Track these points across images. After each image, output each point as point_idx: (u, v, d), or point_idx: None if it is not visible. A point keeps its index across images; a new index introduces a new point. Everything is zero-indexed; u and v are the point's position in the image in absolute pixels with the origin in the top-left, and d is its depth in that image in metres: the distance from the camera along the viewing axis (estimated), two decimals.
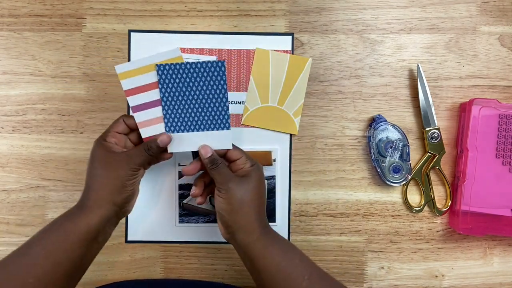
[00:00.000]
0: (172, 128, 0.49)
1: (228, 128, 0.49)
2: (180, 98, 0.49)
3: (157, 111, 0.49)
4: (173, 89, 0.49)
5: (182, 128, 0.49)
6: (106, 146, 0.47)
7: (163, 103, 0.49)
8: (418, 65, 0.57)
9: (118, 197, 0.46)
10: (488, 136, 0.56)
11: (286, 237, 0.58)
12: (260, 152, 0.58)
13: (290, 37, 0.57)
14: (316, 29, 0.58)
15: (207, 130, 0.50)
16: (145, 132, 0.49)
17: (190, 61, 0.49)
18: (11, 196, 0.57)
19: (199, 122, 0.49)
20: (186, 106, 0.49)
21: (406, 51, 0.58)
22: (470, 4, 0.58)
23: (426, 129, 0.57)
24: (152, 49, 0.57)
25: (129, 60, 0.57)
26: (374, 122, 0.57)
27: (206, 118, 0.49)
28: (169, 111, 0.49)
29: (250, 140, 0.58)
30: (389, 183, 0.56)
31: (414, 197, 0.59)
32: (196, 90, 0.49)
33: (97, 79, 0.57)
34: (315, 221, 0.58)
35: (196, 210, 0.58)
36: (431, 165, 0.57)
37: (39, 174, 0.57)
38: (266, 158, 0.58)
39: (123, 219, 0.57)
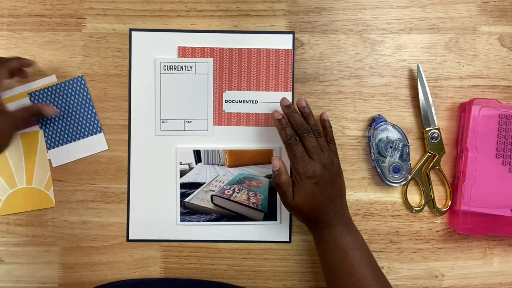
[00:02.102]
0: (53, 144, 0.56)
1: (100, 132, 0.56)
2: (54, 116, 0.56)
3: (35, 129, 0.57)
4: None
5: (61, 142, 0.56)
6: None
7: (39, 124, 0.56)
8: (418, 65, 0.57)
9: None
10: (488, 136, 0.56)
11: (288, 237, 0.58)
12: (261, 151, 0.58)
13: (291, 35, 0.57)
14: (316, 29, 0.58)
15: (83, 138, 0.56)
16: None
17: (184, 65, 0.56)
18: None
19: (74, 133, 0.56)
20: (61, 122, 0.56)
21: (406, 51, 0.58)
22: (470, 4, 0.58)
23: (426, 129, 0.57)
24: (153, 48, 0.57)
25: (130, 60, 0.57)
26: (374, 122, 0.57)
27: (80, 128, 0.56)
28: (47, 129, 0.56)
29: (252, 139, 0.58)
30: (389, 183, 0.56)
31: (414, 197, 0.59)
32: (66, 106, 0.56)
33: (97, 79, 0.57)
34: None
35: (198, 208, 0.58)
36: (431, 165, 0.57)
37: None
38: (267, 157, 0.58)
39: (124, 219, 0.57)
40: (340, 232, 0.49)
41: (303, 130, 0.51)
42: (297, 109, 0.53)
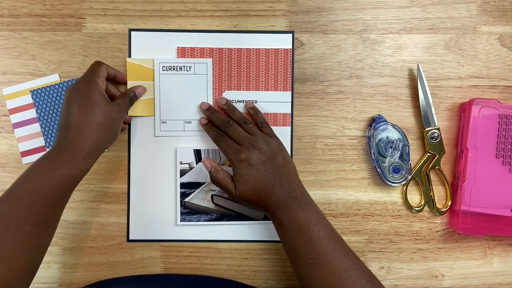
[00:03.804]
0: (52, 143, 0.56)
1: None
2: (54, 115, 0.56)
3: (36, 127, 0.56)
4: (47, 108, 0.56)
5: None
6: (101, 92, 0.50)
7: (40, 122, 0.56)
8: (418, 65, 0.57)
9: (108, 145, 0.51)
10: (488, 136, 0.56)
11: None
12: None
13: (291, 35, 0.57)
14: (316, 29, 0.58)
15: None
16: (24, 146, 0.56)
17: (183, 65, 0.56)
18: None
19: None
20: None
21: (406, 51, 0.58)
22: (470, 4, 0.58)
23: (426, 129, 0.57)
24: (152, 48, 0.57)
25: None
26: (374, 122, 0.57)
27: None
28: (46, 127, 0.56)
29: None
30: (389, 183, 0.56)
31: (414, 197, 0.59)
32: None
33: None
34: None
35: (198, 208, 0.58)
36: (431, 165, 0.57)
37: None
38: None
39: (124, 219, 0.57)
40: (293, 211, 0.48)
41: (224, 125, 0.53)
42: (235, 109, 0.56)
